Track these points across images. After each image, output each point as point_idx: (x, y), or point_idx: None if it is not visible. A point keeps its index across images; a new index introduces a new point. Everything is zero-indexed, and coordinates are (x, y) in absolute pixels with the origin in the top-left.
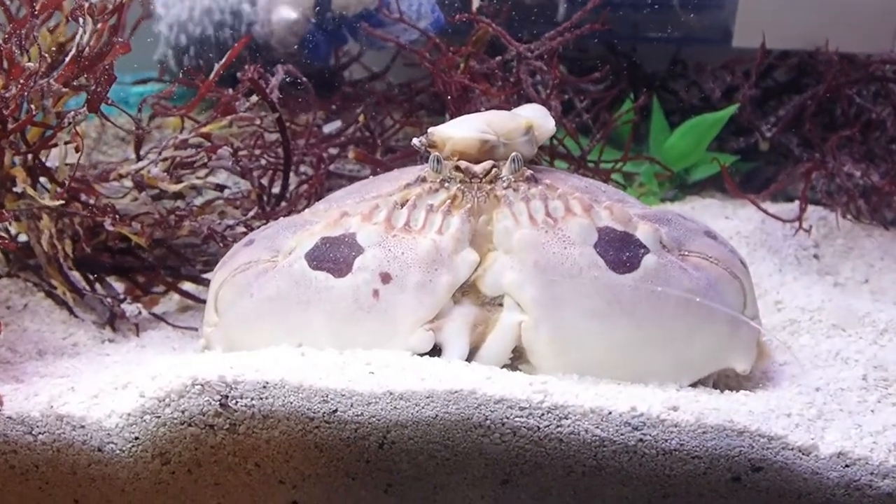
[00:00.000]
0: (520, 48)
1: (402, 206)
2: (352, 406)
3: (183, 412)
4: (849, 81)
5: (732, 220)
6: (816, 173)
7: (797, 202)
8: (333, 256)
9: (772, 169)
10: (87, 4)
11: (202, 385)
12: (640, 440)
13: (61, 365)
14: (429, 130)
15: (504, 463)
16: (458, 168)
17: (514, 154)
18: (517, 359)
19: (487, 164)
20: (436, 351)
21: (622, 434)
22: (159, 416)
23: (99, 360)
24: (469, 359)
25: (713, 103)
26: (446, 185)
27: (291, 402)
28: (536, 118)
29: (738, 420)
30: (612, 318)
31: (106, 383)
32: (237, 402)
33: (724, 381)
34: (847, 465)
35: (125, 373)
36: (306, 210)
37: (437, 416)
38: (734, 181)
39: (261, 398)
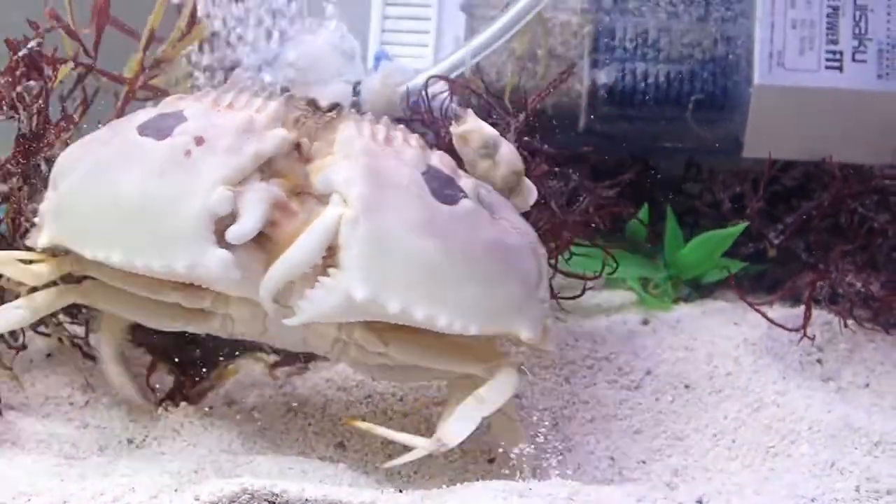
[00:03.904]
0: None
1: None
2: None
3: None
4: (852, 194)
5: (741, 326)
6: (820, 281)
7: (803, 307)
8: (160, 126)
9: (780, 270)
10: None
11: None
12: None
13: (121, 463)
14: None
15: None
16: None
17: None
18: (328, 257)
19: (335, 103)
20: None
21: None
22: None
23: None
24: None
25: (723, 213)
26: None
27: None
28: None
29: None
30: (426, 236)
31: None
32: None
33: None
34: None
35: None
36: None
37: None
38: (743, 284)
39: None
